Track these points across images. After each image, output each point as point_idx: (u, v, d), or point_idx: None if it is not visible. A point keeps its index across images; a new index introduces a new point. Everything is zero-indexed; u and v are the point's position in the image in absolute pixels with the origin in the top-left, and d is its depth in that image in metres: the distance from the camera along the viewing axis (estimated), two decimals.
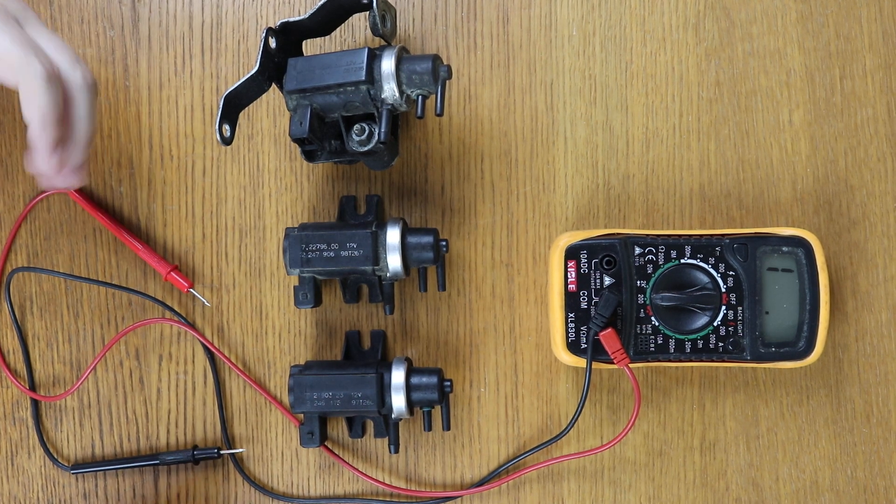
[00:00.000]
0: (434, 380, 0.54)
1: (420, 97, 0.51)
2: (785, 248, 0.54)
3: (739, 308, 0.53)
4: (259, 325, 0.59)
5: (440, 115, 0.50)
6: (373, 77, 0.50)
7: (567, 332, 0.53)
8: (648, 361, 0.54)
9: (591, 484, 0.58)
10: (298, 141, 0.52)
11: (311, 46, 0.59)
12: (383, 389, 0.53)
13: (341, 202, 0.57)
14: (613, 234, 0.54)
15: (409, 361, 0.55)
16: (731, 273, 0.53)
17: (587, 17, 0.60)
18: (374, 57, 0.51)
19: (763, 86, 0.59)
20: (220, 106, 0.50)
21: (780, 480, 0.58)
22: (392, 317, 0.58)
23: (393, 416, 0.54)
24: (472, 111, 0.59)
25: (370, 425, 0.58)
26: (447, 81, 0.53)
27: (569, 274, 0.53)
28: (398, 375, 0.53)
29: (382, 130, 0.51)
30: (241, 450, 0.58)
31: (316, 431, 0.54)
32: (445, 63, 0.59)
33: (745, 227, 0.58)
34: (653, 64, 0.59)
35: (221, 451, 0.57)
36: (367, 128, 0.52)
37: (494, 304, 0.58)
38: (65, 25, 0.59)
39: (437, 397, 0.54)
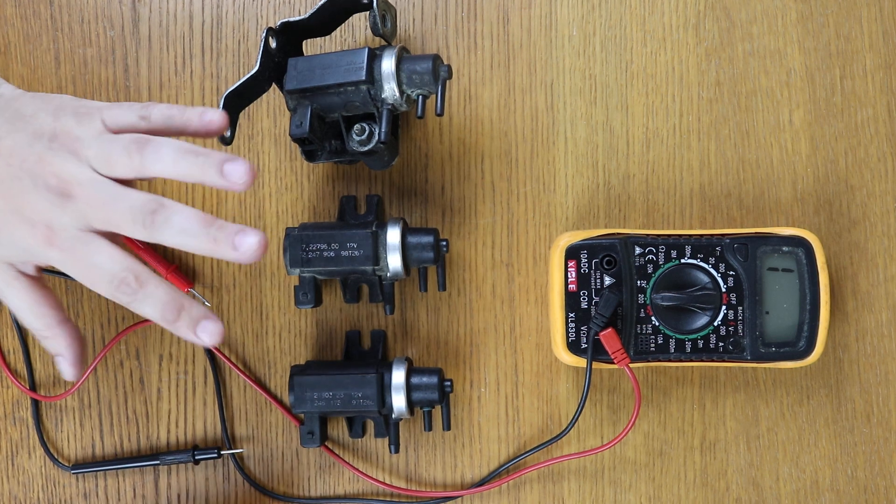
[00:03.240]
0: (434, 380, 0.54)
1: (420, 97, 0.51)
2: (785, 248, 0.54)
3: (740, 308, 0.53)
4: (259, 325, 0.58)
5: (440, 115, 0.50)
6: (373, 77, 0.50)
7: (567, 332, 0.53)
8: (648, 361, 0.54)
9: (591, 484, 0.58)
10: (298, 141, 0.52)
11: (311, 46, 0.59)
12: (383, 389, 0.53)
13: (341, 202, 0.57)
14: (614, 234, 0.54)
15: (409, 361, 0.55)
16: (731, 273, 0.53)
17: (587, 17, 0.60)
18: (374, 57, 0.51)
19: (763, 86, 0.59)
20: (221, 106, 0.50)
21: (781, 480, 0.58)
22: (392, 317, 0.58)
23: (393, 416, 0.54)
24: (473, 111, 0.59)
25: (370, 425, 0.57)
26: (447, 81, 0.53)
27: (569, 274, 0.53)
28: (398, 375, 0.53)
29: (383, 130, 0.51)
30: (241, 450, 0.58)
31: (316, 431, 0.54)
32: (446, 63, 0.59)
33: (745, 227, 0.58)
34: (653, 64, 0.59)
35: (222, 452, 0.57)
36: (367, 128, 0.52)
37: (495, 304, 0.58)
38: (65, 25, 0.59)
39: (437, 397, 0.54)
